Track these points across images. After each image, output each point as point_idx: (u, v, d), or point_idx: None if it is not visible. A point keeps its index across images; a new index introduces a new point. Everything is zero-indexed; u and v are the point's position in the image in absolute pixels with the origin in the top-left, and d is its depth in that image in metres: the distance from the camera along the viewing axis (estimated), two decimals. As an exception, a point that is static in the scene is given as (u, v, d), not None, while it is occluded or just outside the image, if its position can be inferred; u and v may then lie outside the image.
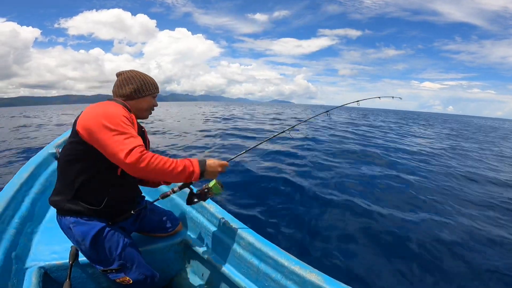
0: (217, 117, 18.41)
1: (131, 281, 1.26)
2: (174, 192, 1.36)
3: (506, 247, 2.72)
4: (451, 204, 3.76)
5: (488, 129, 25.76)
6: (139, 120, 1.35)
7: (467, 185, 4.81)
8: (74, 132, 1.13)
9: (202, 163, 1.18)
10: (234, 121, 15.14)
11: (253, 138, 9.00)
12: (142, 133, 1.36)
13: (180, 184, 1.36)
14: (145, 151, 1.03)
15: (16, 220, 1.48)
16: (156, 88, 1.37)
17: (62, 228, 1.25)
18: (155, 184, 1.57)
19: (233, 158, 1.50)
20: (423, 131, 16.35)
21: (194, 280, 1.66)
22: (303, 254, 2.44)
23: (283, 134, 1.81)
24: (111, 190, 1.22)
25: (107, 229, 1.24)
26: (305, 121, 1.73)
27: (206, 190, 1.36)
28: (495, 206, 3.84)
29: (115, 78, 1.35)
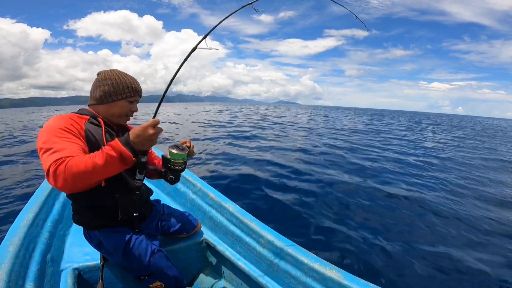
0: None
1: (163, 286, 1.32)
2: (139, 180, 1.17)
3: None
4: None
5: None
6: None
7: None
8: None
9: (125, 138, 0.96)
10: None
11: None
12: (125, 131, 1.32)
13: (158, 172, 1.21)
14: (60, 163, 0.87)
15: (48, 223, 1.54)
16: (133, 91, 1.22)
17: (92, 243, 1.28)
18: (155, 176, 1.44)
19: (156, 112, 1.18)
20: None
21: (216, 278, 1.72)
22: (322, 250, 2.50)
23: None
24: (120, 198, 1.20)
25: (134, 238, 1.27)
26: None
27: (167, 162, 1.16)
28: None
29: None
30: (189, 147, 1.25)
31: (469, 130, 22.17)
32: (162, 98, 1.23)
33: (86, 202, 1.17)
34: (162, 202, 1.66)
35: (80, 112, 1.19)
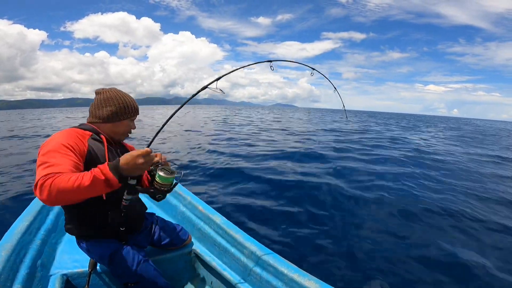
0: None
1: None
2: (127, 200, 1.19)
3: None
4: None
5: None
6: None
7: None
8: None
9: (114, 164, 0.98)
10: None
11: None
12: (124, 150, 1.38)
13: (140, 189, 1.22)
14: (48, 178, 0.91)
15: (42, 232, 1.62)
16: (136, 111, 1.32)
17: (83, 250, 1.37)
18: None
19: (151, 141, 1.31)
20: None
21: None
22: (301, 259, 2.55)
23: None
24: (110, 211, 1.26)
25: (122, 248, 1.33)
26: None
27: (156, 183, 1.19)
28: None
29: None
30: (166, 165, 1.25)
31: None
32: (160, 129, 1.35)
33: (77, 212, 1.25)
34: (156, 215, 1.73)
35: (83, 128, 1.25)
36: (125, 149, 1.43)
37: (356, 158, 7.32)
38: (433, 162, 7.31)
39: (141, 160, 1.00)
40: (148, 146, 1.16)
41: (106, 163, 1.00)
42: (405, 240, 2.98)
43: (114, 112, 1.25)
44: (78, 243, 1.36)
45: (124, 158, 0.99)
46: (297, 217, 3.47)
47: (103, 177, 0.95)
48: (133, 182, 1.13)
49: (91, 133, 1.24)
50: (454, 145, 12.04)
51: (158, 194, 1.22)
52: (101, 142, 1.25)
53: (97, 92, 1.29)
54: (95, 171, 0.96)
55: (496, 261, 2.64)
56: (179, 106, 1.43)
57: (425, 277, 2.37)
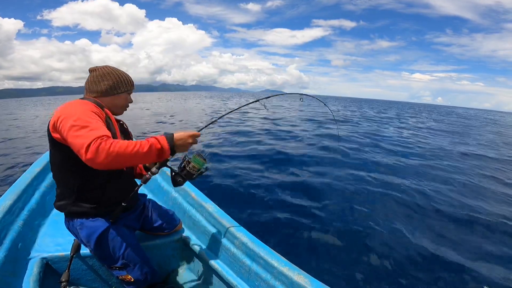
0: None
1: (132, 279, 1.33)
2: (153, 173, 1.23)
3: None
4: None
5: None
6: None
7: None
8: (49, 135, 1.12)
9: (170, 137, 1.09)
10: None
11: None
12: (121, 127, 1.37)
13: (156, 164, 1.25)
14: (104, 141, 0.94)
15: (25, 212, 1.56)
16: (132, 85, 1.34)
17: (70, 231, 1.30)
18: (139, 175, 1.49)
19: (203, 128, 1.38)
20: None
21: (190, 276, 1.73)
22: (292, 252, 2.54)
23: (257, 104, 1.64)
24: (108, 186, 1.24)
25: (111, 229, 1.27)
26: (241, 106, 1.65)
27: (186, 164, 1.25)
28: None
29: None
30: None
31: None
32: (215, 121, 1.48)
33: (76, 186, 1.19)
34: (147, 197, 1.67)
35: (90, 100, 1.21)
36: (124, 127, 1.42)
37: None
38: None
39: (190, 140, 1.14)
40: (199, 130, 1.26)
41: (162, 134, 1.10)
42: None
43: (112, 86, 1.27)
44: (67, 222, 1.29)
45: (178, 134, 1.12)
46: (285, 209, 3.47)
47: (159, 147, 1.05)
48: (171, 158, 1.19)
49: (95, 105, 1.20)
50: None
51: (179, 178, 1.27)
52: (107, 115, 1.24)
53: (92, 70, 1.29)
54: (152, 140, 1.05)
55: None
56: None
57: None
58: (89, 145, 0.92)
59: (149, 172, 1.24)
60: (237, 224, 1.60)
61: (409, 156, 6.84)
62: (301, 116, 15.87)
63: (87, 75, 1.32)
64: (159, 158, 1.08)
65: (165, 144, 1.07)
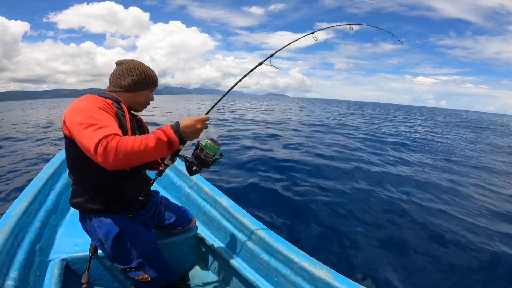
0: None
1: (150, 278, 1.30)
2: (166, 165, 1.21)
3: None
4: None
5: None
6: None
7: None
8: (64, 131, 1.10)
9: (176, 126, 1.02)
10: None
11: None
12: (138, 122, 1.34)
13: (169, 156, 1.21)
14: (110, 139, 0.90)
15: (41, 213, 1.54)
16: (156, 82, 1.31)
17: (86, 229, 1.27)
18: (151, 168, 1.46)
19: (210, 109, 1.28)
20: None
21: (207, 274, 1.70)
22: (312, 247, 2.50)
23: (263, 66, 1.39)
24: (124, 182, 1.22)
25: (129, 227, 1.25)
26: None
27: (200, 151, 1.16)
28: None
29: (108, 71, 1.28)
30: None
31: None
32: (222, 97, 1.33)
33: (92, 182, 1.17)
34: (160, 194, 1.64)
35: (103, 96, 1.18)
36: (140, 122, 1.38)
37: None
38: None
39: (199, 126, 1.05)
40: (207, 113, 1.17)
41: (167, 125, 1.03)
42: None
43: (136, 82, 1.23)
44: (83, 220, 1.25)
45: (184, 122, 1.03)
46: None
47: (165, 139, 0.98)
48: (182, 148, 1.11)
49: (112, 101, 1.17)
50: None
51: (195, 166, 1.17)
52: (121, 110, 1.20)
53: (118, 63, 1.26)
54: (157, 133, 0.98)
55: None
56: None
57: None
58: (96, 147, 0.89)
59: (162, 164, 1.21)
60: (254, 219, 1.55)
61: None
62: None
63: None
64: (170, 150, 1.01)
65: (172, 135, 0.99)
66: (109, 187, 1.20)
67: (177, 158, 1.26)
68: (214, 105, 1.31)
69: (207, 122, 1.09)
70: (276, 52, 1.32)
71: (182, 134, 1.02)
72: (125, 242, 1.24)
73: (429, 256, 2.50)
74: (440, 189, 4.35)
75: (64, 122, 1.05)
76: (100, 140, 0.89)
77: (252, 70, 1.29)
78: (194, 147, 1.19)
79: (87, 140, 0.91)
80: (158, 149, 0.97)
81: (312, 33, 1.43)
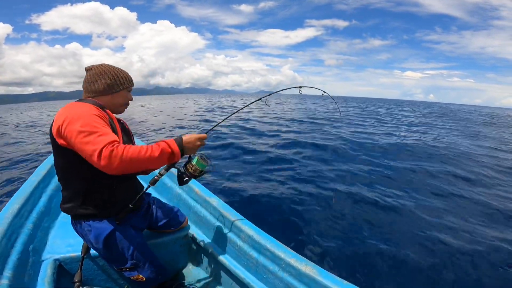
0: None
1: (144, 279, 1.33)
2: (161, 175, 1.33)
3: None
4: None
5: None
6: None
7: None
8: (53, 140, 1.10)
9: (179, 141, 1.13)
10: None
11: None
12: (122, 126, 1.35)
13: (165, 166, 1.31)
14: (116, 147, 0.96)
15: (34, 215, 1.56)
16: (131, 81, 1.31)
17: (78, 233, 1.29)
18: (145, 172, 1.52)
19: (210, 129, 1.45)
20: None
21: (199, 272, 1.74)
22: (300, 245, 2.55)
23: (260, 103, 1.64)
24: (115, 188, 1.23)
25: (118, 230, 1.26)
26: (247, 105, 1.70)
27: (190, 166, 1.29)
28: None
29: None
30: None
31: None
32: (221, 122, 1.51)
33: (83, 188, 1.17)
34: (152, 195, 1.67)
35: (88, 102, 1.17)
36: (124, 126, 1.39)
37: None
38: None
39: (198, 143, 1.19)
40: (207, 132, 1.29)
41: (172, 138, 1.13)
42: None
43: (110, 84, 1.23)
44: (74, 224, 1.28)
45: (186, 137, 1.15)
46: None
47: (169, 150, 1.08)
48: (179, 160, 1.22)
49: (99, 107, 1.16)
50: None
51: (186, 177, 1.31)
52: (109, 115, 1.22)
53: (88, 69, 1.26)
54: (162, 144, 1.07)
55: None
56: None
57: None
58: (100, 152, 0.94)
59: (157, 174, 1.30)
60: (242, 217, 1.59)
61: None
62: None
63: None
64: (169, 161, 1.11)
65: (176, 148, 1.10)
66: (98, 193, 1.21)
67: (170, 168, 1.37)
68: (215, 126, 1.48)
69: (205, 140, 1.22)
70: (270, 94, 1.63)
71: (184, 148, 1.13)
72: (116, 245, 1.26)
73: (415, 250, 2.59)
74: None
75: (58, 130, 1.04)
76: (105, 145, 0.95)
77: (248, 104, 1.66)
78: (186, 160, 1.30)
79: (90, 146, 0.96)
80: (160, 159, 1.06)
81: (300, 87, 1.70)
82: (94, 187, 1.19)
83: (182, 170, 1.32)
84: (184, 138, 1.15)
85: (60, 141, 1.06)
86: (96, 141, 0.96)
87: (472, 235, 2.87)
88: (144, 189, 1.37)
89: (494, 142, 9.49)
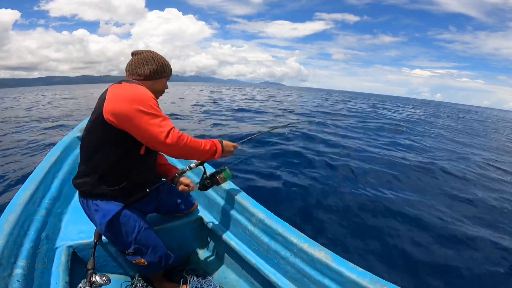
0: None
1: (146, 263, 1.32)
2: (190, 168, 1.43)
3: None
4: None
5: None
6: None
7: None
8: (101, 119, 1.09)
9: (222, 143, 1.30)
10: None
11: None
12: None
13: (197, 162, 1.43)
14: (181, 134, 1.11)
15: (46, 201, 1.55)
16: (171, 71, 1.38)
17: (85, 211, 1.28)
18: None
19: (243, 142, 1.56)
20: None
21: (210, 257, 1.72)
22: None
23: (280, 130, 1.91)
24: (134, 170, 1.24)
25: (123, 213, 1.25)
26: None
27: (218, 174, 1.45)
28: None
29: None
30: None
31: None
32: (253, 137, 1.69)
33: (104, 165, 1.17)
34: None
35: (138, 85, 1.21)
36: None
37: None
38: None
39: (232, 149, 1.37)
40: (239, 143, 1.47)
41: (216, 139, 1.31)
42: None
43: (156, 70, 1.29)
44: (83, 201, 1.26)
45: (226, 143, 1.33)
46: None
47: (215, 148, 1.26)
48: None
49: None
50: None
51: (209, 184, 1.47)
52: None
53: (135, 53, 1.30)
54: (210, 141, 1.26)
55: None
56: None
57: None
58: (168, 133, 1.06)
59: (187, 167, 1.43)
60: (254, 201, 1.55)
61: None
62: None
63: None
64: (211, 157, 1.26)
65: (220, 148, 1.28)
66: (117, 175, 1.21)
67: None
68: (249, 139, 1.64)
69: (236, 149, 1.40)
70: (274, 127, 1.79)
71: (223, 151, 1.30)
72: (119, 227, 1.25)
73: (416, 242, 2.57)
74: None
75: (114, 108, 1.06)
76: (171, 129, 1.08)
77: (264, 132, 2.06)
78: (214, 171, 1.49)
79: (156, 128, 1.06)
80: (208, 153, 1.24)
81: (288, 125, 1.96)
82: (115, 168, 1.19)
83: (209, 177, 1.46)
84: (224, 142, 1.32)
85: (111, 119, 1.07)
86: (162, 124, 1.07)
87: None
88: (162, 178, 1.46)
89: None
